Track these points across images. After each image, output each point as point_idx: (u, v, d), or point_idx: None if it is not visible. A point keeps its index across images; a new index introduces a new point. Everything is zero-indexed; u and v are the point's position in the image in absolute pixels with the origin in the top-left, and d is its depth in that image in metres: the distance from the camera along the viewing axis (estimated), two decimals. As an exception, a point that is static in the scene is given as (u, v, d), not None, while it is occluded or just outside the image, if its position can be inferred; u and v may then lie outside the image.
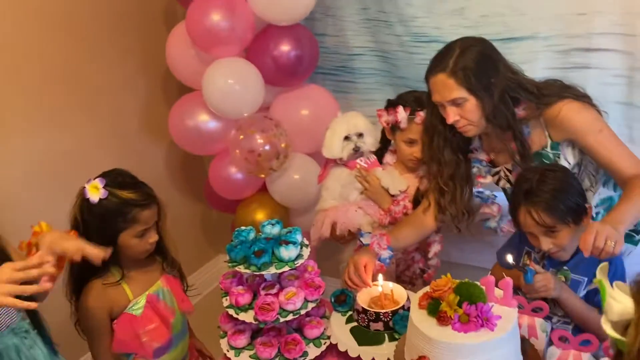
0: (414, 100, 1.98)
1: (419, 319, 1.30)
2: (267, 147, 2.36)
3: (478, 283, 1.31)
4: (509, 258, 1.39)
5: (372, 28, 2.44)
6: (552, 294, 1.47)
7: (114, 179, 1.60)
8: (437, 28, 2.26)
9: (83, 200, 1.57)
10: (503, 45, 2.13)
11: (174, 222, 2.85)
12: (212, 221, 3.31)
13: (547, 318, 1.42)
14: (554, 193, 1.48)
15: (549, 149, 1.68)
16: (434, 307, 1.29)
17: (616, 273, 1.49)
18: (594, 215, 1.70)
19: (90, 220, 1.57)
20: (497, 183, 1.89)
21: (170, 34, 2.49)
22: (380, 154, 2.16)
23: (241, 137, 2.39)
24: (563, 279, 1.53)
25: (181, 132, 2.53)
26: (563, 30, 2.04)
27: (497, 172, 1.85)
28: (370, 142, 2.09)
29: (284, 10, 2.30)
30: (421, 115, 1.92)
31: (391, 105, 2.02)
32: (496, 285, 1.32)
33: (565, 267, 1.54)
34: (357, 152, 2.07)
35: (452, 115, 1.67)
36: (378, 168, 2.11)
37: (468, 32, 2.19)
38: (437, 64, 1.68)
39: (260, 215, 2.58)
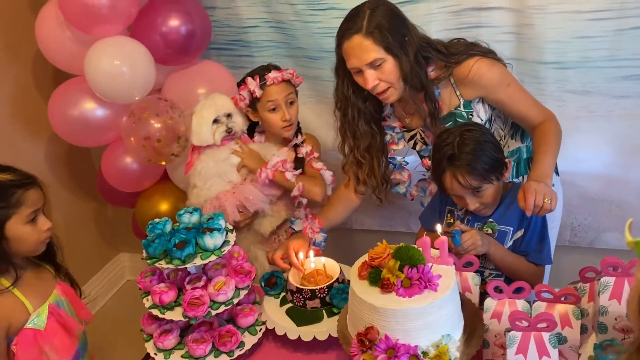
0: (258, 69, 1.98)
1: (362, 289, 1.27)
2: (165, 132, 2.19)
3: (415, 245, 1.30)
4: (438, 228, 1.40)
5: (264, -2, 2.33)
6: (481, 250, 1.50)
7: None
8: (332, -5, 2.21)
9: None
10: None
11: (64, 224, 2.58)
12: (108, 218, 3.06)
13: (479, 272, 1.46)
14: (475, 153, 1.50)
15: (462, 108, 1.71)
16: (375, 276, 1.27)
17: (537, 222, 1.56)
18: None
19: None
20: (413, 147, 1.90)
21: (39, 15, 2.20)
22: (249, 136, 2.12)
23: (134, 123, 2.20)
24: (490, 231, 1.58)
25: (64, 124, 2.26)
26: (454, -10, 2.08)
27: (413, 136, 1.86)
28: (240, 121, 2.02)
29: (169, -19, 2.13)
30: (271, 76, 1.91)
31: (239, 85, 2.01)
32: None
33: (490, 220, 1.59)
34: (230, 133, 1.99)
35: (371, 80, 1.62)
36: (253, 142, 2.07)
37: (363, -2, 2.19)
38: (350, 26, 1.62)
39: (164, 206, 2.40)
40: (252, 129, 2.10)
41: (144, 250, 1.44)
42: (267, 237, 2.04)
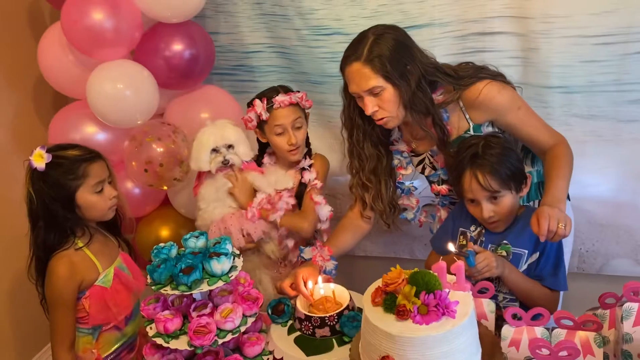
0: (268, 90, 1.96)
1: (376, 317, 1.21)
2: (167, 156, 2.16)
3: (431, 271, 1.26)
4: (450, 247, 1.36)
5: (268, 23, 2.34)
6: (495, 272, 1.46)
7: (53, 145, 1.63)
8: (337, 20, 2.21)
9: (32, 173, 1.59)
10: (403, 34, 2.15)
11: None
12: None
13: (493, 297, 1.41)
14: (500, 157, 1.50)
15: (471, 132, 1.69)
16: (390, 302, 1.22)
17: (552, 246, 1.52)
18: None
19: (44, 189, 1.58)
20: (422, 172, 1.88)
21: (42, 38, 2.19)
22: (259, 160, 2.09)
23: (136, 147, 2.16)
24: (504, 253, 1.54)
25: (65, 148, 2.23)
26: (459, 15, 2.09)
27: (422, 161, 1.84)
28: (243, 151, 1.99)
29: (174, 6, 2.12)
30: (278, 99, 1.90)
31: (249, 105, 1.99)
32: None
33: (505, 242, 1.55)
34: (226, 165, 1.97)
35: (370, 106, 1.62)
36: (252, 171, 2.02)
37: (368, 23, 2.15)
38: (351, 53, 1.62)
39: (165, 232, 2.36)
40: (264, 148, 2.08)
41: (148, 276, 1.39)
42: (276, 260, 2.00)
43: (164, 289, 1.35)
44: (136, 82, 2.11)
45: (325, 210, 2.00)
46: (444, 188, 1.81)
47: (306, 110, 2.01)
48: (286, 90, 1.96)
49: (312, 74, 2.34)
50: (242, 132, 2.01)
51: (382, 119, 1.65)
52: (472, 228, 1.62)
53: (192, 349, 1.34)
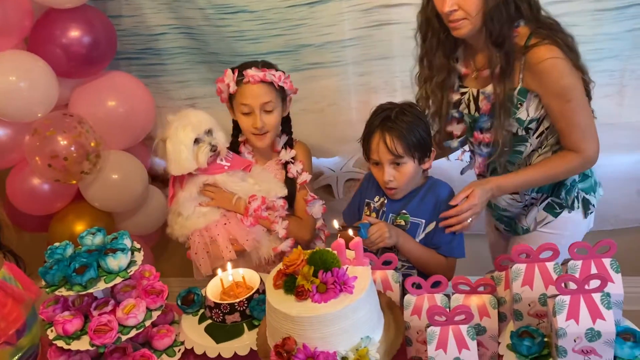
0: (247, 62, 1.81)
1: (277, 299, 1.21)
2: (74, 148, 2.06)
3: (329, 249, 1.26)
4: (335, 224, 1.38)
5: (171, 4, 2.25)
6: (389, 242, 1.49)
7: None
8: (241, -3, 2.16)
9: None
10: (309, 9, 2.13)
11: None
12: (24, 245, 2.86)
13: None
14: (410, 125, 1.53)
15: (515, 94, 1.58)
16: (290, 284, 1.22)
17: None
18: None
19: None
20: (457, 103, 1.74)
21: None
22: (235, 147, 1.91)
23: (38, 142, 2.06)
24: (403, 223, 1.57)
25: (-40, 148, 2.10)
26: (364, -12, 2.07)
27: (465, 93, 1.71)
28: (222, 136, 1.76)
29: (64, -10, 2.01)
30: (249, 72, 1.73)
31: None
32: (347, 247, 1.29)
33: (404, 211, 1.58)
34: (215, 151, 1.73)
35: (449, 2, 1.48)
36: (230, 178, 1.80)
37: (272, 0, 2.15)
38: None
39: (79, 227, 2.26)
40: (238, 128, 1.90)
41: (42, 280, 1.33)
42: (264, 262, 1.85)
43: (59, 290, 1.30)
44: (31, 73, 2.00)
45: (317, 207, 1.89)
46: (487, 136, 1.66)
47: (288, 94, 1.84)
48: (267, 66, 1.78)
49: (221, 54, 2.29)
50: (212, 117, 1.79)
51: (457, 20, 1.50)
52: (376, 199, 1.64)
53: (95, 348, 1.31)
